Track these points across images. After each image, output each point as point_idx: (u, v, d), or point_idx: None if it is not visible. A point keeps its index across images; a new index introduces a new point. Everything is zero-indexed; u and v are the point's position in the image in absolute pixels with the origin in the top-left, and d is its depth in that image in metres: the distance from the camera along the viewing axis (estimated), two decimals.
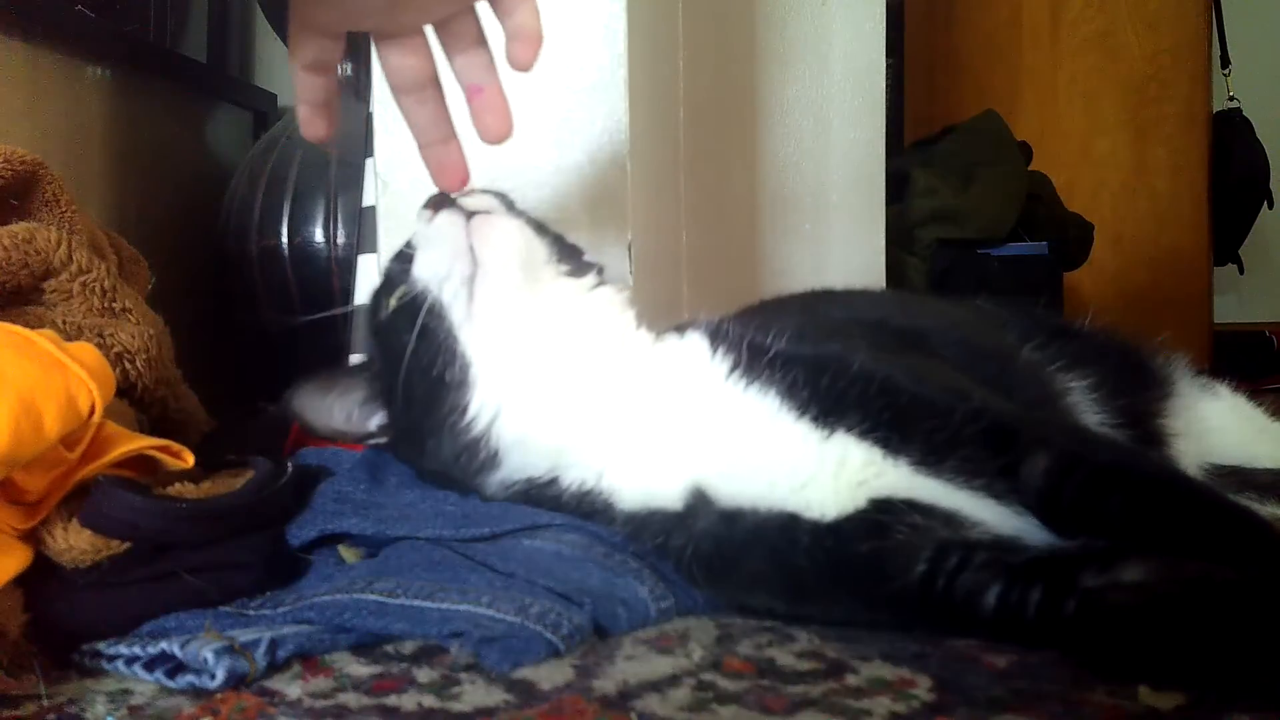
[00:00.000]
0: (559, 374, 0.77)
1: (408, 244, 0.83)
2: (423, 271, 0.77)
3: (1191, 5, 2.80)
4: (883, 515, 0.66)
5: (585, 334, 0.79)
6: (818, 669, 0.60)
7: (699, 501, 0.72)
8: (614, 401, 0.77)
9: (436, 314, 0.76)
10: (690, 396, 0.75)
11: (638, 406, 0.76)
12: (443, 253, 0.76)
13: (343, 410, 0.85)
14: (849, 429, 0.70)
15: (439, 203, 0.79)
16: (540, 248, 0.80)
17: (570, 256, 0.84)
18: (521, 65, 0.75)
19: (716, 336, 0.78)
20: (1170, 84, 2.81)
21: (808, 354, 0.74)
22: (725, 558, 0.70)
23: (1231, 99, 2.86)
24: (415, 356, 0.76)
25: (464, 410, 0.76)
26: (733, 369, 0.74)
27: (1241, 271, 2.98)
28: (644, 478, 0.75)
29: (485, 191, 0.82)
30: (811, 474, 0.69)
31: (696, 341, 0.78)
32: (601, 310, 0.82)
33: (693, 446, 0.73)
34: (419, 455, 0.81)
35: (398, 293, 0.79)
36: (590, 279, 0.83)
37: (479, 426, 0.76)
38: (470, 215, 0.77)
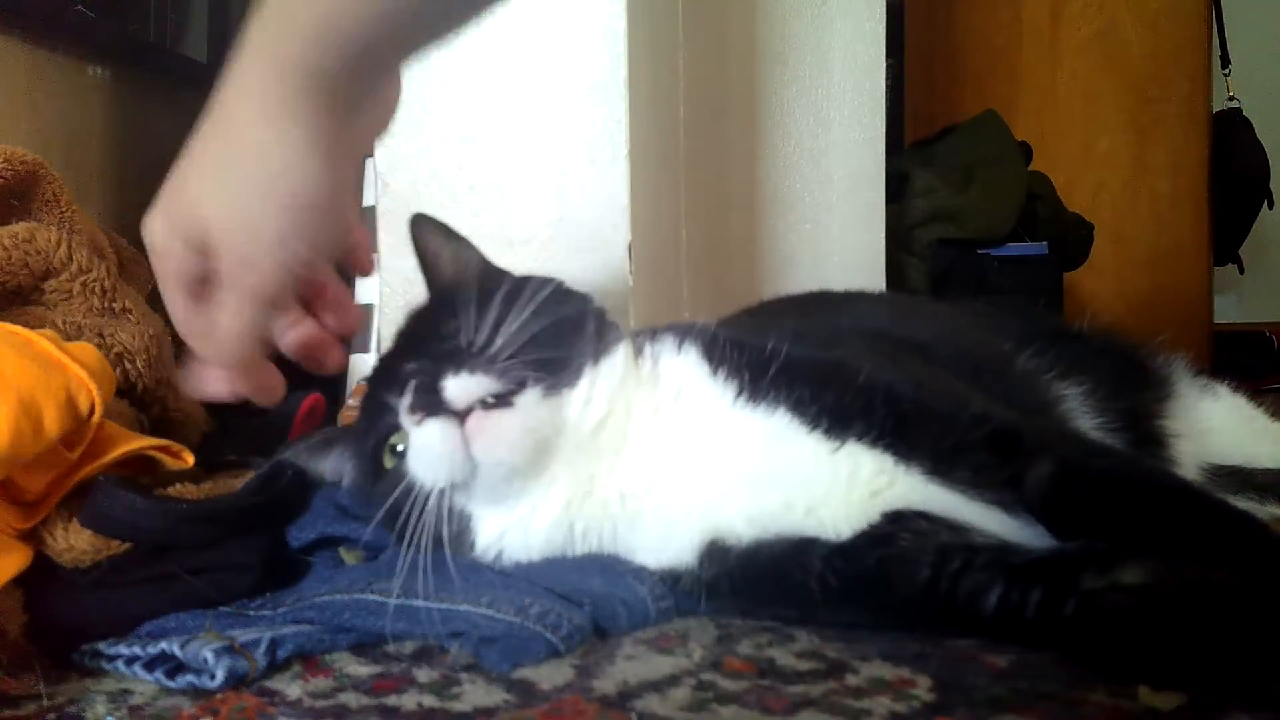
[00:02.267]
0: (562, 482, 0.73)
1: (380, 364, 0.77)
2: (423, 477, 0.70)
3: (1191, 5, 2.80)
4: (890, 525, 0.66)
5: (585, 434, 0.73)
6: (818, 669, 0.60)
7: (714, 552, 0.70)
8: (621, 471, 0.74)
9: (442, 496, 0.70)
10: (698, 433, 0.73)
11: (646, 464, 0.74)
12: (440, 466, 0.69)
13: (335, 472, 0.81)
14: (858, 438, 0.69)
15: (428, 405, 0.69)
16: (545, 416, 0.70)
17: (559, 363, 0.72)
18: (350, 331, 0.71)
19: (714, 353, 0.75)
20: (1170, 84, 2.80)
21: (814, 366, 0.73)
22: (736, 588, 0.70)
23: (1231, 99, 2.86)
24: (422, 524, 0.71)
25: (471, 546, 0.74)
26: (738, 394, 0.72)
27: (1241, 271, 2.98)
28: (657, 546, 0.73)
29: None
30: (826, 487, 0.69)
31: (694, 363, 0.75)
32: (602, 399, 0.73)
33: (706, 494, 0.71)
34: None
35: (394, 442, 0.73)
36: (587, 373, 0.73)
37: (488, 559, 0.74)
38: (464, 418, 0.68)
